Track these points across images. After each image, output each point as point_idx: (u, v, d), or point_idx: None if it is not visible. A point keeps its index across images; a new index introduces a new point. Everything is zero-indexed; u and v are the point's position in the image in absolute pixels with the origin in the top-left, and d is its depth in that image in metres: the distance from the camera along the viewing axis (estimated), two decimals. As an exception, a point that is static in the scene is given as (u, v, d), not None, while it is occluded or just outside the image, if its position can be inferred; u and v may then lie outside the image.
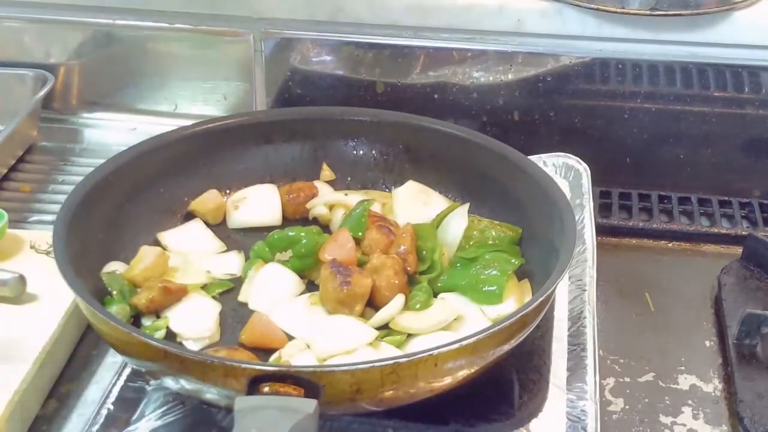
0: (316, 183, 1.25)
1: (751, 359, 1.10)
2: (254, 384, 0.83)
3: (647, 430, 1.03)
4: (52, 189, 1.42)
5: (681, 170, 1.46)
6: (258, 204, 1.22)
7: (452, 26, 1.46)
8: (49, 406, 1.03)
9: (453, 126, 1.25)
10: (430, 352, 0.86)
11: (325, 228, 1.19)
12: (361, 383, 0.85)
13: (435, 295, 1.08)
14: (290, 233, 1.12)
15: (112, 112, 1.59)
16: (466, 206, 1.17)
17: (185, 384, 0.89)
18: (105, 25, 1.53)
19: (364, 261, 1.09)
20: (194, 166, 1.21)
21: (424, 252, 1.12)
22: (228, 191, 1.23)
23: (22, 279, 1.09)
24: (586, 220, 1.22)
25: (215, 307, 1.07)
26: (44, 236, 1.17)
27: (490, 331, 0.89)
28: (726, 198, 1.41)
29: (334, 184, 1.26)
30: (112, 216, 1.11)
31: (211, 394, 0.87)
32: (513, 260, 1.09)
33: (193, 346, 1.02)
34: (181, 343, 1.02)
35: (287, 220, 1.22)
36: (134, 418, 0.96)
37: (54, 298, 1.09)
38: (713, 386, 1.09)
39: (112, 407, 0.98)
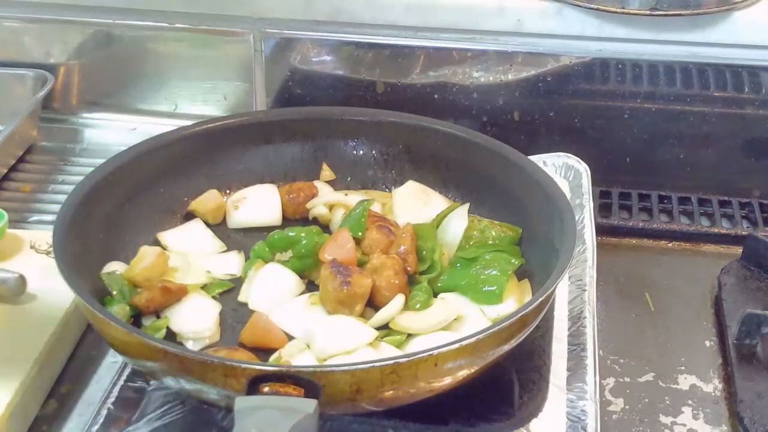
0: (316, 183, 1.25)
1: (751, 359, 1.10)
2: (254, 384, 0.83)
3: (647, 430, 1.03)
4: (52, 189, 1.42)
5: (681, 170, 1.46)
6: (258, 204, 1.22)
7: (452, 26, 1.46)
8: (49, 406, 1.03)
9: (453, 126, 1.25)
10: (430, 352, 0.86)
11: (325, 228, 1.19)
12: (361, 383, 0.85)
13: (435, 295, 1.08)
14: (290, 233, 1.12)
15: (112, 112, 1.59)
16: (466, 206, 1.17)
17: (185, 384, 0.89)
18: (105, 25, 1.53)
19: (364, 261, 1.09)
20: (194, 166, 1.21)
21: (424, 252, 1.12)
22: (228, 191, 1.24)
23: (22, 279, 1.09)
24: (586, 220, 1.22)
25: (215, 307, 1.07)
26: (44, 236, 1.17)
27: (490, 331, 0.89)
28: (726, 198, 1.41)
29: (334, 184, 1.26)
30: (112, 216, 1.11)
31: (211, 394, 0.87)
32: (513, 260, 1.09)
33: (193, 346, 1.02)
34: (181, 343, 1.02)
35: (287, 220, 1.22)
36: (134, 418, 0.96)
37: (54, 298, 1.09)
38: (713, 386, 1.09)
39: (112, 407, 0.97)
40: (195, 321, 1.04)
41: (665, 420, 1.04)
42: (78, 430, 0.99)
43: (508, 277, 1.07)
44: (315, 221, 1.22)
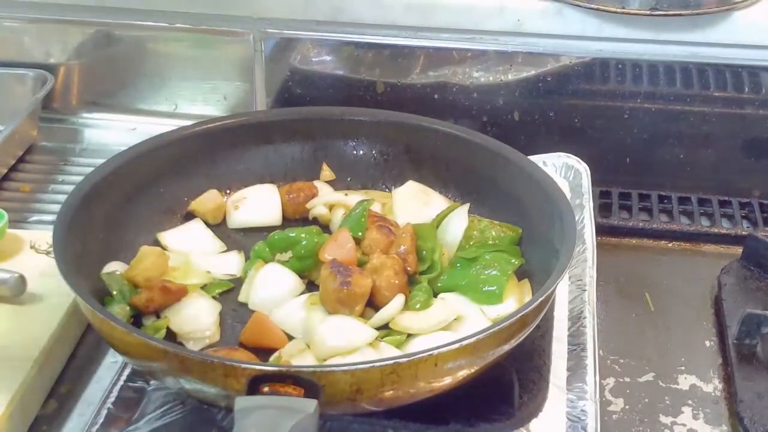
0: (316, 183, 1.25)
1: (751, 359, 1.10)
2: (254, 384, 0.83)
3: (647, 430, 1.03)
4: (52, 189, 1.42)
5: (681, 170, 1.46)
6: (258, 204, 1.22)
7: (452, 26, 1.46)
8: (49, 406, 1.03)
9: (453, 126, 1.25)
10: (430, 352, 0.86)
11: (325, 228, 1.19)
12: (361, 383, 0.85)
13: (435, 295, 1.08)
14: (290, 234, 1.12)
15: (112, 112, 1.59)
16: (466, 206, 1.17)
17: (185, 384, 0.89)
18: (105, 25, 1.53)
19: (364, 261, 1.09)
20: (194, 166, 1.21)
21: (424, 252, 1.12)
22: (228, 191, 1.24)
23: (22, 279, 1.09)
24: (586, 220, 1.22)
25: (215, 307, 1.07)
26: (44, 236, 1.17)
27: (490, 331, 0.89)
28: (726, 198, 1.41)
29: (334, 184, 1.26)
30: (112, 216, 1.11)
31: (211, 394, 0.87)
32: (513, 260, 1.09)
33: (193, 346, 1.02)
34: (181, 343, 1.02)
35: (287, 220, 1.22)
36: (134, 418, 0.96)
37: (54, 298, 1.09)
38: (713, 386, 1.09)
39: (112, 407, 0.97)
40: (195, 321, 1.04)
41: (665, 420, 1.04)
42: (78, 430, 0.99)
43: (508, 277, 1.07)
44: (315, 221, 1.22)
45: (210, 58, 1.54)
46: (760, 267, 1.23)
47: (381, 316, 1.03)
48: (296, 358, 0.98)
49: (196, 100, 1.57)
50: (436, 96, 1.48)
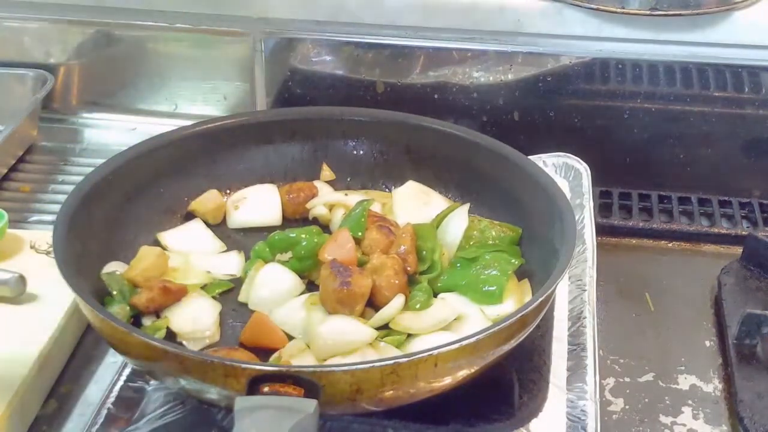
0: (316, 183, 1.25)
1: (751, 359, 1.10)
2: (254, 384, 0.83)
3: (647, 430, 1.03)
4: (52, 189, 1.42)
5: (681, 170, 1.46)
6: (258, 204, 1.22)
7: (452, 26, 1.46)
8: (49, 406, 1.03)
9: (453, 126, 1.25)
10: (430, 352, 0.86)
11: (325, 228, 1.19)
12: (361, 383, 0.85)
13: (435, 295, 1.08)
14: (291, 234, 1.12)
15: (112, 112, 1.59)
16: (466, 206, 1.17)
17: (185, 384, 0.89)
18: (105, 25, 1.53)
19: (364, 261, 1.09)
20: (194, 166, 1.21)
21: (424, 252, 1.12)
22: (228, 191, 1.23)
23: (22, 279, 1.09)
24: (586, 220, 1.22)
25: (215, 307, 1.07)
26: (44, 236, 1.17)
27: (490, 331, 0.89)
28: (726, 198, 1.41)
29: (334, 184, 1.26)
30: (112, 216, 1.11)
31: (211, 394, 0.87)
32: (513, 260, 1.09)
33: (193, 346, 1.02)
34: (181, 343, 1.02)
35: (287, 220, 1.22)
36: (134, 418, 0.96)
37: (54, 298, 1.09)
38: (713, 386, 1.09)
39: (112, 407, 0.97)
40: (195, 321, 1.04)
41: (665, 420, 1.04)
42: (78, 430, 0.99)
43: (508, 277, 1.07)
44: (315, 221, 1.22)
45: (210, 58, 1.54)
46: (760, 267, 1.23)
47: (381, 316, 1.03)
48: (296, 358, 0.98)
49: (196, 100, 1.57)
50: (436, 96, 1.48)
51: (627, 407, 1.05)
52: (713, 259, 1.30)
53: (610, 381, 1.09)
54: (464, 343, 0.87)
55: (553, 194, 1.08)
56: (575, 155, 1.33)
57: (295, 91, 1.51)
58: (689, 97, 1.42)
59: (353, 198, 1.21)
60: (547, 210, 1.08)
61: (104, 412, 0.97)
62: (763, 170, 1.44)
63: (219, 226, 1.21)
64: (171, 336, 1.02)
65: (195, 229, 1.19)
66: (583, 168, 1.31)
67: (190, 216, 1.20)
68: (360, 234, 1.13)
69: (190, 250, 1.15)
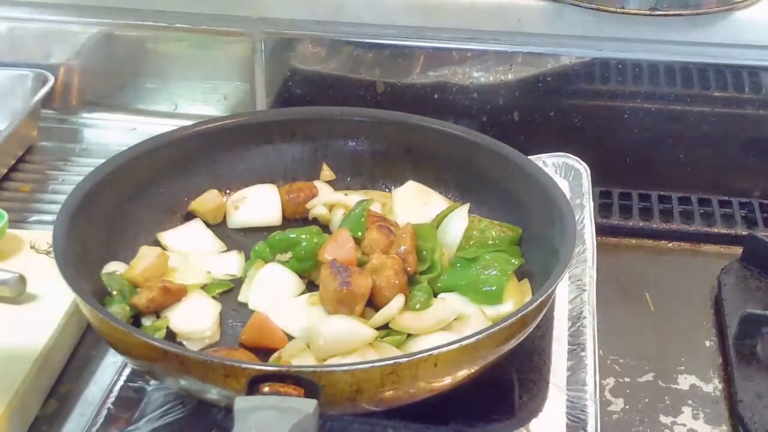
0: (316, 183, 1.25)
1: (751, 359, 1.10)
2: (254, 384, 0.83)
3: (647, 430, 1.03)
4: (52, 189, 1.42)
5: (681, 170, 1.46)
6: (258, 204, 1.22)
7: (452, 26, 1.46)
8: (49, 406, 1.03)
9: (453, 126, 1.25)
10: (430, 352, 0.86)
11: (325, 228, 1.19)
12: (361, 383, 0.85)
13: (435, 295, 1.08)
14: (291, 235, 1.12)
15: (112, 112, 1.59)
16: (466, 206, 1.17)
17: (185, 384, 0.89)
18: (105, 25, 1.53)
19: (364, 261, 1.09)
20: (194, 166, 1.21)
21: (424, 252, 1.12)
22: (228, 191, 1.23)
23: (22, 279, 1.09)
24: (586, 220, 1.22)
25: (215, 307, 1.07)
26: (44, 236, 1.17)
27: (490, 331, 0.89)
28: (726, 198, 1.41)
29: (334, 184, 1.26)
30: (112, 216, 1.11)
31: (211, 394, 0.87)
32: (513, 260, 1.09)
33: (193, 346, 1.02)
34: (181, 343, 1.02)
35: (287, 220, 1.22)
36: (134, 418, 0.96)
37: (54, 298, 1.09)
38: (713, 386, 1.09)
39: (112, 407, 0.98)
40: (195, 321, 1.04)
41: (665, 420, 1.04)
42: (78, 430, 0.99)
43: (508, 277, 1.06)
44: (315, 221, 1.22)
45: (210, 58, 1.54)
46: (760, 267, 1.23)
47: (381, 316, 1.03)
48: (296, 358, 0.98)
49: (196, 100, 1.57)
50: (436, 96, 1.48)
51: (627, 407, 1.05)
52: (713, 259, 1.30)
53: (610, 381, 1.09)
54: (464, 343, 0.87)
55: (553, 194, 1.08)
56: (575, 155, 1.33)
57: (295, 91, 1.51)
58: (689, 97, 1.42)
59: (353, 198, 1.21)
60: (547, 210, 1.08)
61: (104, 412, 0.97)
62: (763, 170, 1.44)
63: (219, 226, 1.21)
64: (171, 336, 1.02)
65: (195, 229, 1.19)
66: (583, 168, 1.31)
67: (190, 216, 1.20)
68: (360, 234, 1.13)
69: (190, 250, 1.15)
